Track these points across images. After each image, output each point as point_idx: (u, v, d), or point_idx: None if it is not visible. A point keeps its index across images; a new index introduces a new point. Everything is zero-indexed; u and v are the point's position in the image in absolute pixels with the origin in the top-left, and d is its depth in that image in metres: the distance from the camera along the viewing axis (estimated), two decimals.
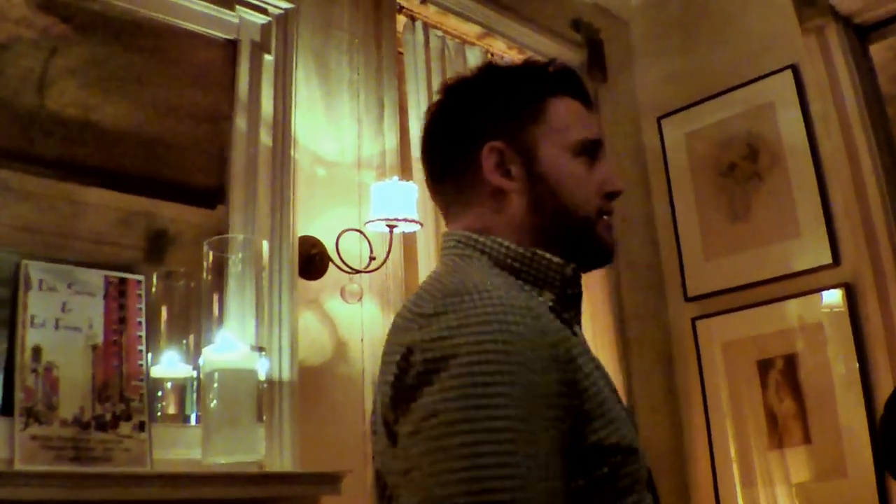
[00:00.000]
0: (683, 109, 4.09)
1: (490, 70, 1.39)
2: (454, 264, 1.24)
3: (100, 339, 2.16)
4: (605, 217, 1.30)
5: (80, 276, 2.19)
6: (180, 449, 2.29)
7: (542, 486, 0.99)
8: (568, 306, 1.24)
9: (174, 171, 2.71)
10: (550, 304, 1.20)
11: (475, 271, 1.19)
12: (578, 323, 1.28)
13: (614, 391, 1.21)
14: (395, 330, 1.16)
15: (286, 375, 2.52)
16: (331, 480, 2.32)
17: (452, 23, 3.51)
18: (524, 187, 1.27)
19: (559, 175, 1.27)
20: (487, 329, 1.04)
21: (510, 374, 1.01)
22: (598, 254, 1.31)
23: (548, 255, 1.24)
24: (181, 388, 2.48)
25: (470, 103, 1.33)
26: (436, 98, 1.40)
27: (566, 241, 1.26)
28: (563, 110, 1.31)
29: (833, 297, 3.54)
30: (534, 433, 1.00)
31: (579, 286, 1.27)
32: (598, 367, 1.19)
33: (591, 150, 1.30)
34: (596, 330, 3.53)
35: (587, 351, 1.19)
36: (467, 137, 1.30)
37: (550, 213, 1.26)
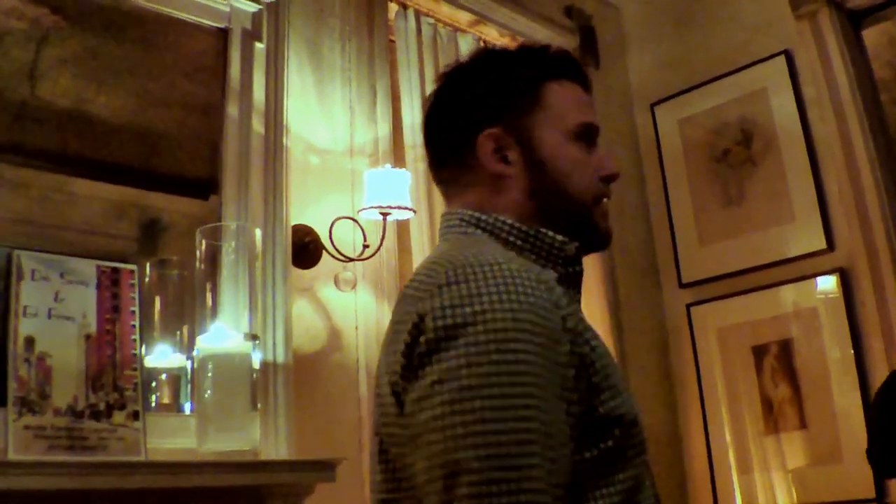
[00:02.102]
0: (677, 96, 4.10)
1: (487, 56, 1.39)
2: (459, 241, 1.24)
3: (93, 329, 2.16)
4: (602, 202, 1.30)
5: (72, 265, 2.18)
6: (175, 438, 2.29)
7: (554, 455, 1.00)
8: (570, 284, 1.24)
9: (166, 161, 2.70)
10: (554, 281, 1.20)
11: (484, 246, 1.20)
12: (579, 301, 1.28)
13: (616, 366, 1.22)
14: (405, 299, 1.15)
15: (280, 363, 2.52)
16: (326, 468, 2.32)
17: (444, 10, 3.50)
18: (522, 172, 1.27)
19: (557, 160, 1.27)
20: (504, 298, 1.04)
21: (527, 342, 1.02)
22: (595, 239, 1.31)
23: (551, 233, 1.24)
24: (175, 377, 2.48)
25: (467, 90, 1.34)
26: (432, 85, 1.41)
27: (565, 225, 1.26)
28: (560, 95, 1.31)
29: (827, 283, 3.54)
30: (549, 401, 1.02)
31: (581, 264, 1.27)
32: (602, 342, 1.21)
33: (588, 135, 1.30)
34: (590, 316, 3.47)
35: (590, 326, 1.20)
36: (465, 124, 1.30)
37: (549, 197, 1.27)
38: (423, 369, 1.05)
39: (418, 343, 1.07)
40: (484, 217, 1.26)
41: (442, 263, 1.14)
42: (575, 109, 1.30)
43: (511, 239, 1.23)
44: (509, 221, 1.24)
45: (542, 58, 1.34)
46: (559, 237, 1.24)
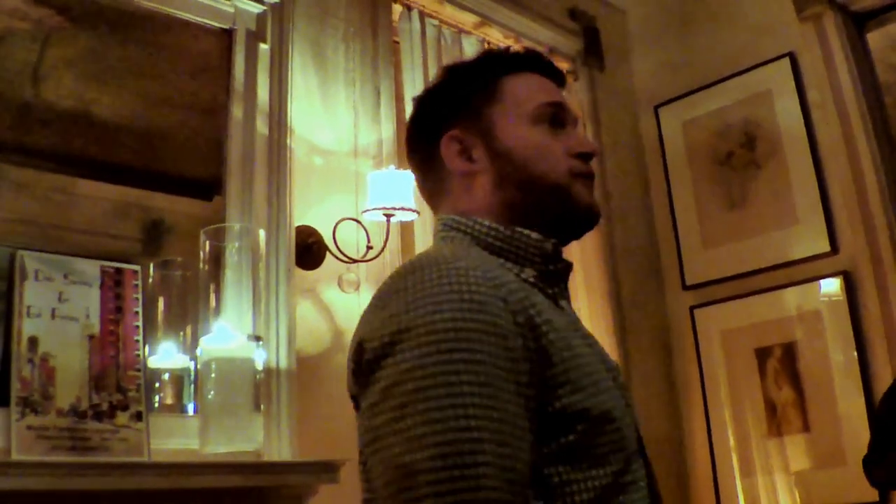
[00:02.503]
0: (681, 98, 4.09)
1: (448, 68, 1.41)
2: (436, 247, 1.26)
3: (96, 329, 2.16)
4: (581, 178, 1.28)
5: (75, 266, 2.19)
6: (178, 439, 2.29)
7: (510, 451, 1.00)
8: (552, 281, 1.25)
9: (170, 161, 2.71)
10: (532, 279, 1.21)
11: (450, 248, 1.21)
12: (565, 297, 1.28)
13: (605, 361, 1.22)
14: (366, 309, 1.17)
15: (283, 365, 2.52)
16: (329, 469, 2.32)
17: (448, 11, 3.50)
18: (489, 167, 1.28)
19: (519, 147, 1.27)
20: (445, 299, 1.05)
21: (468, 340, 1.02)
22: (580, 216, 1.29)
23: (526, 232, 1.24)
24: (178, 378, 2.48)
25: (429, 102, 1.37)
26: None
27: (541, 211, 1.26)
28: (517, 84, 1.31)
29: (831, 286, 3.54)
30: (498, 397, 1.01)
31: (562, 260, 1.27)
32: (585, 337, 1.21)
33: (552, 117, 1.30)
34: (594, 318, 3.52)
35: (572, 323, 1.21)
36: (430, 132, 1.33)
37: (517, 185, 1.27)
38: (374, 375, 1.06)
39: (365, 352, 1.09)
40: (463, 220, 1.27)
41: (398, 269, 1.16)
42: (533, 95, 1.30)
43: (489, 240, 1.24)
44: (486, 223, 1.25)
45: (500, 56, 1.38)
46: (535, 235, 1.24)
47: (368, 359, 1.08)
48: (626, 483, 1.11)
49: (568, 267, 1.30)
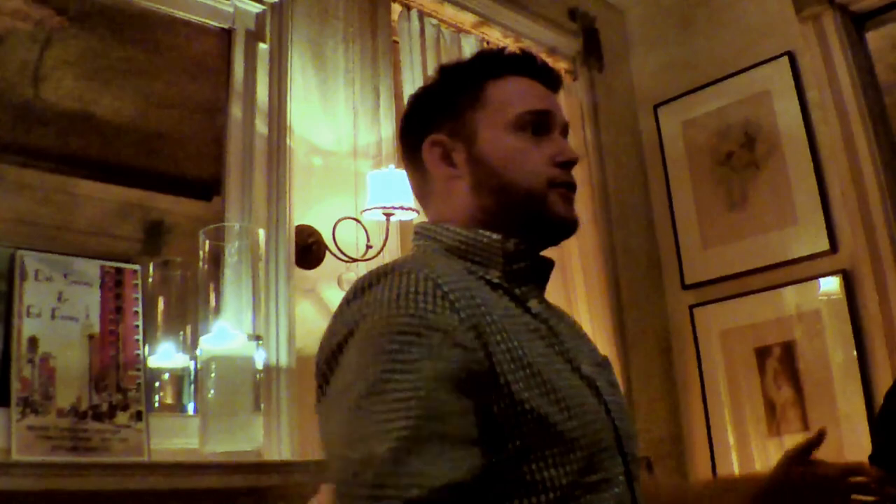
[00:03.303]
0: (680, 97, 4.09)
1: (440, 69, 1.41)
2: (404, 256, 1.31)
3: (96, 329, 2.16)
4: (561, 188, 1.28)
5: (76, 266, 2.19)
6: (178, 438, 2.29)
7: (450, 454, 1.00)
8: (520, 281, 1.25)
9: (170, 162, 2.71)
10: (496, 280, 1.22)
11: (411, 257, 1.25)
12: (538, 296, 1.28)
13: (587, 357, 1.23)
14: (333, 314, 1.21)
15: (283, 364, 2.52)
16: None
17: (448, 11, 3.50)
18: (468, 172, 1.29)
19: (497, 153, 1.28)
20: (387, 307, 1.07)
21: (407, 343, 1.04)
22: (553, 226, 1.29)
23: (487, 233, 1.25)
24: (178, 377, 2.48)
25: (415, 106, 1.38)
26: None
27: (515, 218, 1.26)
28: (502, 89, 1.31)
29: (830, 285, 3.54)
30: (433, 401, 1.02)
31: (526, 260, 1.27)
32: (553, 335, 1.21)
33: (535, 123, 1.29)
34: (593, 317, 3.52)
35: (536, 322, 1.21)
36: (415, 137, 1.34)
37: (492, 191, 1.27)
38: (328, 375, 1.11)
39: (321, 360, 1.14)
40: (430, 227, 1.30)
41: (358, 279, 1.19)
42: (517, 100, 1.30)
43: (453, 244, 1.26)
44: (452, 228, 1.27)
45: (487, 58, 1.37)
46: (495, 236, 1.25)
47: (323, 370, 1.13)
48: (593, 482, 1.10)
49: (538, 266, 1.30)
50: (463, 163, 1.29)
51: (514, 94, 1.30)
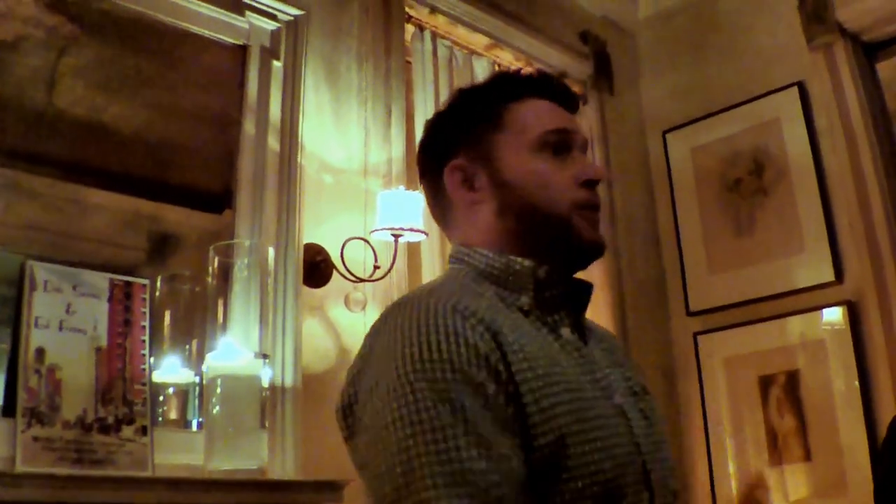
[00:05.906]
0: (689, 124, 4.09)
1: (458, 92, 1.42)
2: (439, 278, 1.32)
3: (104, 342, 2.16)
4: (585, 211, 1.27)
5: (85, 277, 2.19)
6: (182, 454, 2.28)
7: (481, 480, 1.01)
8: (553, 308, 1.24)
9: (180, 174, 2.71)
10: (527, 307, 1.22)
11: (440, 283, 1.27)
12: (572, 322, 1.27)
13: (603, 389, 1.21)
14: (364, 342, 1.24)
15: (289, 382, 2.52)
16: (333, 488, 2.31)
17: (461, 33, 3.51)
18: (491, 196, 1.29)
19: (520, 176, 1.27)
20: (412, 334, 1.09)
21: (432, 371, 1.06)
22: (581, 249, 1.28)
23: (519, 260, 1.25)
24: (183, 392, 2.48)
25: (435, 130, 1.38)
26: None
27: (541, 242, 1.26)
28: (522, 112, 1.31)
29: (835, 315, 3.53)
30: (463, 427, 1.03)
31: (558, 287, 1.26)
32: (585, 363, 1.21)
33: (557, 144, 1.29)
34: None
35: (567, 350, 1.21)
36: (436, 162, 1.34)
37: (517, 215, 1.27)
38: (354, 406, 1.18)
39: (350, 386, 1.20)
40: (465, 251, 1.29)
41: (387, 308, 1.22)
42: (537, 122, 1.30)
43: (490, 271, 1.25)
44: (486, 253, 1.27)
45: (505, 81, 1.37)
46: (526, 262, 1.24)
47: (349, 401, 1.20)
48: None
49: (573, 293, 1.29)
50: (485, 187, 1.29)
51: (533, 116, 1.30)
